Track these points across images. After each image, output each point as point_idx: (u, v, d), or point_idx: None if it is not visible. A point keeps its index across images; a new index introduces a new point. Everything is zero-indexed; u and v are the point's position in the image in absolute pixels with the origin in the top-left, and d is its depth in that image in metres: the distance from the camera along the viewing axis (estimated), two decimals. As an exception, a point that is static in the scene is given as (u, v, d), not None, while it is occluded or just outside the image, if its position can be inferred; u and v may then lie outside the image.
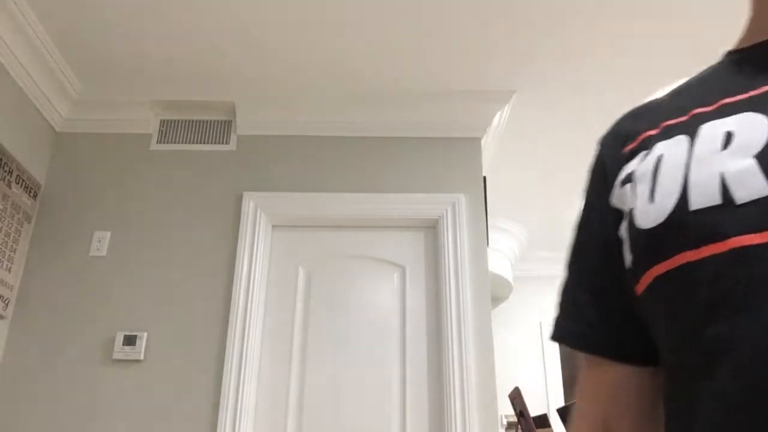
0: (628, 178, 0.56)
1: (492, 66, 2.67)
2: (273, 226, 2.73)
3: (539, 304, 4.51)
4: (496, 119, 2.92)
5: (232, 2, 2.34)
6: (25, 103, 2.59)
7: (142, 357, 2.41)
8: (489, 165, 3.19)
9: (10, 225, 2.45)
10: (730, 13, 2.36)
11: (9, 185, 2.44)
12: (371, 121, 2.86)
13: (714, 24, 2.42)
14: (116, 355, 2.41)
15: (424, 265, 2.67)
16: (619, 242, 0.56)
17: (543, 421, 2.44)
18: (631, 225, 0.53)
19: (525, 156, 3.33)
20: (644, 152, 0.55)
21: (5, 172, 2.41)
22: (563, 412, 2.37)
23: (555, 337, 0.63)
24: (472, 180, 2.77)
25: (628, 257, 0.54)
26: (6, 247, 2.43)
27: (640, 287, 0.52)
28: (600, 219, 0.60)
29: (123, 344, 2.42)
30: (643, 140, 0.57)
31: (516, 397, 2.31)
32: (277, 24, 2.45)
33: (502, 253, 4.15)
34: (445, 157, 2.81)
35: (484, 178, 2.83)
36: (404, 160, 2.81)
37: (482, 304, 2.54)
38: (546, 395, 4.25)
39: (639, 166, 0.55)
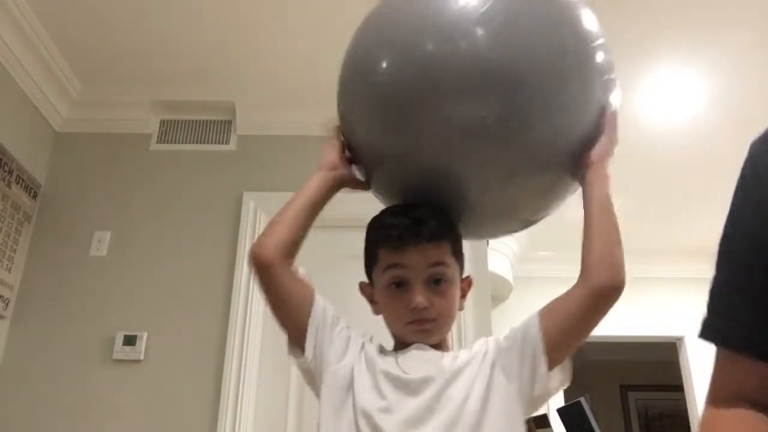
0: None
1: (492, 66, 2.67)
2: (273, 226, 2.73)
3: (539, 304, 4.48)
4: (496, 119, 2.92)
5: (233, 2, 2.34)
6: (25, 103, 2.59)
7: (142, 357, 2.41)
8: (489, 165, 3.18)
9: (10, 225, 2.45)
10: (741, 7, 2.36)
11: (9, 185, 2.44)
12: (371, 121, 2.86)
13: (719, 21, 2.42)
14: (116, 355, 2.41)
15: (424, 265, 2.66)
16: None
17: (543, 421, 2.44)
18: None
19: (525, 156, 3.32)
20: None
21: (5, 172, 2.41)
22: (563, 412, 2.38)
23: (706, 337, 0.63)
24: (472, 180, 2.77)
25: None
26: (6, 247, 2.43)
27: None
28: (757, 219, 0.61)
29: (123, 344, 2.41)
30: None
31: (516, 397, 2.31)
32: (277, 24, 2.44)
33: (502, 253, 4.14)
34: (445, 157, 2.81)
35: (484, 178, 2.82)
36: (404, 160, 2.80)
37: (482, 304, 2.53)
38: (546, 395, 4.25)
39: None
